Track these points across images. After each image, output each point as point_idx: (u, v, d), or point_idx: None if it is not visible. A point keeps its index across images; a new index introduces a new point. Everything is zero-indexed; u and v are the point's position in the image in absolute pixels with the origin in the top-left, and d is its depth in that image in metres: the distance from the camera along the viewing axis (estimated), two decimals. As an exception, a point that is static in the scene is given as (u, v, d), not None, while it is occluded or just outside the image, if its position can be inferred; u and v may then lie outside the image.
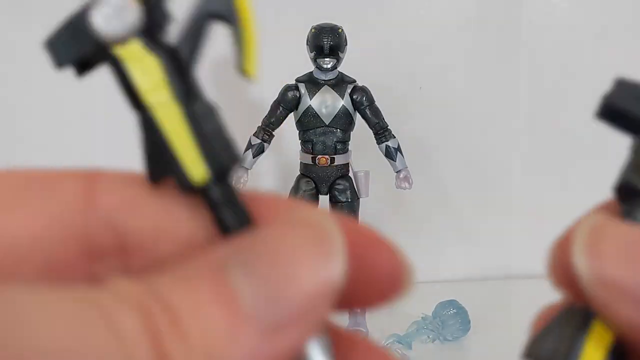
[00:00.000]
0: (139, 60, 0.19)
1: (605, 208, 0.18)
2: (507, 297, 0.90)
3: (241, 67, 0.20)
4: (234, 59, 0.20)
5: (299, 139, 0.75)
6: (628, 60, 0.91)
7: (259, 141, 0.74)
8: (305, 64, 0.74)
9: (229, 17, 0.20)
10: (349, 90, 0.74)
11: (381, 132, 0.74)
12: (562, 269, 0.17)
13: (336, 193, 0.74)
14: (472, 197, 0.92)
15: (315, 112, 0.73)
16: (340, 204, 0.74)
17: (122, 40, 0.19)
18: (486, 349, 0.74)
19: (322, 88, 0.73)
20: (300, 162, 0.75)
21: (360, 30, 0.80)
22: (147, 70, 0.19)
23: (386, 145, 0.74)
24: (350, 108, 0.74)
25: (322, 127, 0.73)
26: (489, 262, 0.93)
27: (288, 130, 0.76)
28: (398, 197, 0.86)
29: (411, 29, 0.89)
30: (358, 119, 0.75)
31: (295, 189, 0.74)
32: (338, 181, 0.74)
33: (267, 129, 0.74)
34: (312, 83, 0.74)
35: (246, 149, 0.74)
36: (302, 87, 0.74)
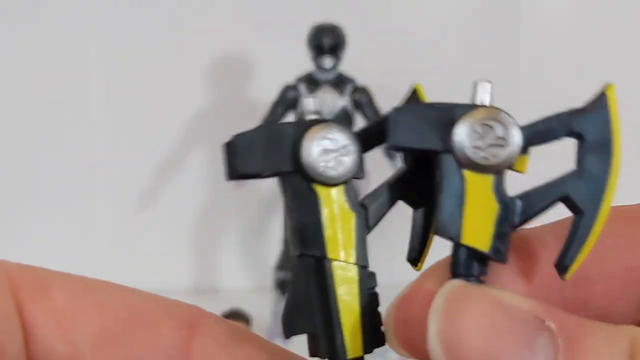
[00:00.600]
0: (338, 209, 0.18)
1: (442, 266, 0.19)
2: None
3: (562, 263, 0.19)
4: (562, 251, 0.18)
5: (299, 139, 0.75)
6: (629, 58, 0.91)
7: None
8: (305, 64, 0.74)
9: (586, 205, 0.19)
10: (348, 90, 0.74)
11: (381, 131, 0.74)
12: (407, 330, 0.18)
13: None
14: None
15: (315, 112, 0.73)
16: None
17: (327, 181, 0.18)
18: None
19: (322, 87, 0.73)
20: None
21: (361, 30, 0.80)
22: (343, 221, 0.18)
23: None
24: (350, 108, 0.74)
25: (322, 126, 0.73)
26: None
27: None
28: (398, 197, 0.85)
29: (411, 28, 0.89)
30: (358, 118, 0.75)
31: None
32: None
33: (267, 129, 0.74)
34: (312, 82, 0.74)
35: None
36: (302, 87, 0.74)
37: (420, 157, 0.20)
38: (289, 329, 0.18)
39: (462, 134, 0.19)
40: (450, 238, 0.18)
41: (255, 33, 0.86)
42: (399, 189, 0.20)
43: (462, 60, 0.91)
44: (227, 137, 0.19)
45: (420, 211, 0.20)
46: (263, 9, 0.87)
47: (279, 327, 0.71)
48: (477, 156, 0.18)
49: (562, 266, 0.19)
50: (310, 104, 0.19)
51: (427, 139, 0.19)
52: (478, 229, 0.18)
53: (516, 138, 0.19)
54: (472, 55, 0.91)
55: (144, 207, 0.87)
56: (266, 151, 0.18)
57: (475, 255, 0.18)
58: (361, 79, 0.75)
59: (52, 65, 0.85)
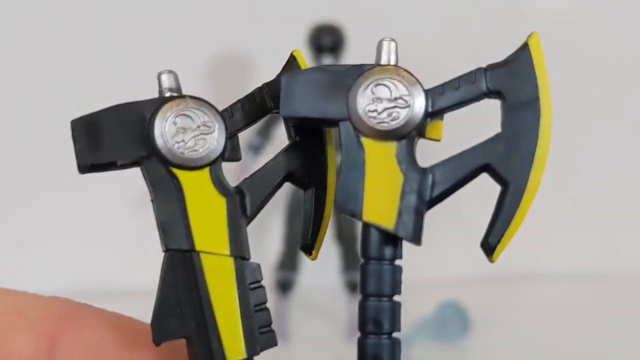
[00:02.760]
0: (204, 195, 0.16)
1: None
2: (507, 297, 0.90)
3: (488, 242, 0.17)
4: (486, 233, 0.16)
5: (299, 139, 0.75)
6: (628, 58, 0.91)
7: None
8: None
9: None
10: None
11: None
12: None
13: (336, 193, 0.74)
14: (472, 197, 0.91)
15: (315, 112, 0.73)
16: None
17: (187, 163, 0.16)
18: (486, 349, 0.74)
19: (322, 87, 0.73)
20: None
21: (361, 29, 0.80)
22: (211, 208, 0.16)
23: (386, 144, 0.74)
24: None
25: (322, 126, 0.73)
26: (489, 262, 0.92)
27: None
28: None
29: (412, 28, 0.89)
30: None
31: (296, 189, 0.74)
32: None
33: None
34: (312, 83, 0.73)
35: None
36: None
37: (307, 131, 0.17)
38: (160, 335, 0.15)
39: (356, 97, 0.16)
40: (351, 215, 0.16)
41: (255, 33, 0.86)
42: (282, 168, 0.17)
43: (462, 60, 0.90)
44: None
45: (310, 192, 0.18)
46: (263, 9, 0.87)
47: (278, 327, 0.71)
48: (374, 121, 0.16)
49: (487, 246, 0.17)
50: (167, 80, 0.17)
51: (323, 107, 0.16)
52: (381, 204, 0.16)
53: (419, 98, 0.17)
54: (472, 55, 0.90)
55: (144, 206, 0.87)
56: (116, 135, 0.16)
57: (386, 235, 0.16)
58: (361, 79, 0.74)
59: (52, 63, 0.85)
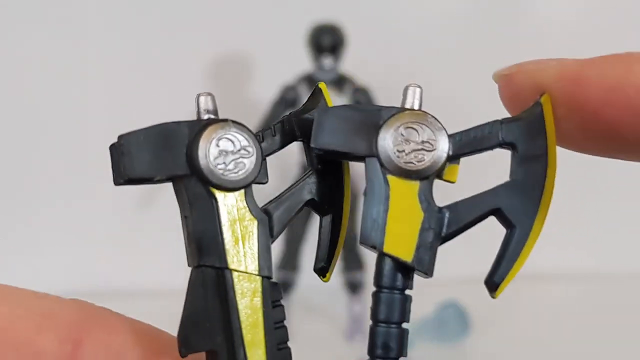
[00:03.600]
0: (238, 215, 0.17)
1: None
2: (507, 297, 0.89)
3: (492, 280, 0.18)
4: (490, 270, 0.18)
5: (299, 139, 0.75)
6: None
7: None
8: (305, 64, 0.74)
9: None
10: (349, 90, 0.73)
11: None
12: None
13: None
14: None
15: (315, 112, 0.73)
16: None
17: (226, 185, 0.17)
18: (486, 349, 0.74)
19: (322, 88, 0.73)
20: (300, 162, 0.75)
21: (361, 30, 0.80)
22: (244, 228, 0.17)
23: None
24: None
25: (322, 126, 0.73)
26: (489, 262, 0.92)
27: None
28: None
29: (412, 28, 0.89)
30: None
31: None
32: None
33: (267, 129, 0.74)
34: (311, 82, 0.74)
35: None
36: (302, 87, 0.74)
37: (329, 161, 0.18)
38: (186, 346, 0.16)
39: (386, 137, 0.17)
40: (372, 246, 0.17)
41: (255, 33, 0.86)
42: (305, 194, 0.18)
43: (463, 60, 0.91)
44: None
45: (328, 218, 0.19)
46: (263, 9, 0.87)
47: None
48: (401, 160, 0.17)
49: (491, 284, 0.18)
50: (205, 102, 0.17)
51: (352, 142, 0.18)
52: (401, 238, 0.17)
53: (442, 143, 0.18)
54: (472, 56, 0.91)
55: (144, 206, 0.87)
56: (158, 153, 0.16)
57: (400, 266, 0.17)
58: (361, 79, 0.75)
59: (52, 64, 0.85)
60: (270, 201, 0.18)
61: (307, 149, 0.18)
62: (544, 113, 0.18)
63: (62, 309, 0.16)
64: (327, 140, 0.18)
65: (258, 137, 0.18)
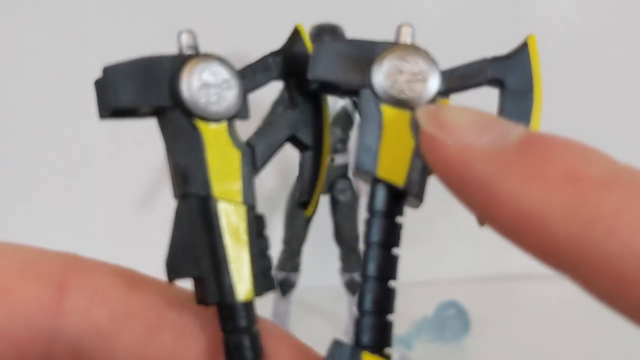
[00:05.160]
0: (222, 147, 0.17)
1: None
2: (507, 297, 0.90)
3: None
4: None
5: (299, 139, 0.75)
6: (629, 59, 0.91)
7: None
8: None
9: None
10: (349, 90, 0.73)
11: (381, 132, 0.74)
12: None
13: (336, 193, 0.74)
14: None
15: (315, 112, 0.73)
16: (340, 203, 0.74)
17: (210, 116, 0.17)
18: (486, 349, 0.74)
19: (322, 88, 0.73)
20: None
21: (360, 30, 0.80)
22: (228, 159, 0.17)
23: (386, 145, 0.74)
24: (350, 107, 0.74)
25: (322, 126, 0.73)
26: (489, 262, 0.93)
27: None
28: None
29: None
30: (358, 118, 0.74)
31: (296, 189, 0.74)
32: (338, 180, 0.74)
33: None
34: (312, 83, 0.74)
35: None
36: (302, 87, 0.74)
37: (311, 97, 0.19)
38: (174, 273, 0.16)
39: (380, 68, 0.18)
40: (366, 172, 0.18)
41: (255, 33, 0.86)
42: (286, 130, 0.19)
43: (462, 60, 0.91)
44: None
45: (309, 153, 0.19)
46: (263, 9, 0.87)
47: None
48: (394, 90, 0.18)
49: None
50: (187, 38, 0.18)
51: (347, 74, 0.18)
52: (394, 164, 0.18)
53: (434, 75, 0.19)
54: (472, 55, 0.90)
55: (144, 206, 0.87)
56: (142, 85, 0.17)
57: (392, 191, 0.18)
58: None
59: (52, 62, 0.85)
60: (254, 134, 0.18)
61: (288, 86, 0.19)
62: (530, 52, 0.19)
63: (46, 258, 0.16)
64: (323, 72, 0.18)
65: (241, 73, 0.18)
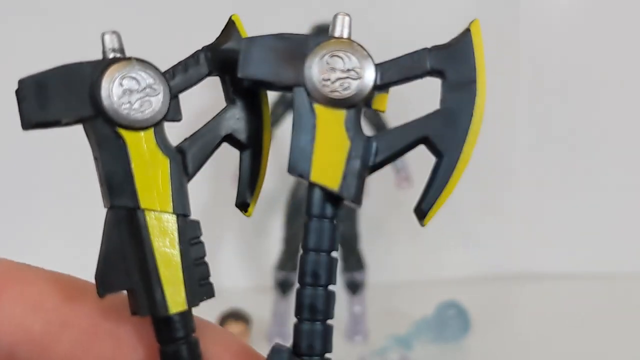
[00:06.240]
0: (148, 155, 0.16)
1: None
2: (507, 297, 0.90)
3: (420, 209, 0.17)
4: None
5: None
6: (629, 58, 0.91)
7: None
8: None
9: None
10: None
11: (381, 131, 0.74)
12: None
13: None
14: (472, 196, 0.91)
15: (315, 112, 0.73)
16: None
17: (133, 124, 0.16)
18: (486, 349, 0.74)
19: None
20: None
21: (360, 30, 0.80)
22: (155, 167, 0.16)
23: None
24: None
25: (322, 126, 0.73)
26: (489, 262, 0.93)
27: (287, 130, 0.76)
28: (398, 197, 0.86)
29: (412, 28, 0.89)
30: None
31: (296, 189, 0.74)
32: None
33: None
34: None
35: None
36: (302, 87, 0.74)
37: (248, 93, 0.18)
38: (105, 287, 0.16)
39: (312, 65, 0.17)
40: (299, 175, 0.17)
41: (255, 33, 0.86)
42: (222, 130, 0.18)
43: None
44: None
45: (247, 153, 0.18)
46: (263, 9, 0.87)
47: (279, 327, 0.71)
48: (327, 89, 0.17)
49: (420, 212, 0.18)
50: (110, 40, 0.17)
51: (280, 72, 0.17)
52: (328, 167, 0.17)
53: (369, 71, 0.18)
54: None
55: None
56: (61, 95, 0.16)
57: (328, 195, 0.17)
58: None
59: (52, 62, 0.85)
60: (186, 139, 0.18)
61: (223, 82, 0.18)
62: (473, 40, 0.18)
63: None
64: (254, 70, 0.17)
65: (169, 74, 0.17)
